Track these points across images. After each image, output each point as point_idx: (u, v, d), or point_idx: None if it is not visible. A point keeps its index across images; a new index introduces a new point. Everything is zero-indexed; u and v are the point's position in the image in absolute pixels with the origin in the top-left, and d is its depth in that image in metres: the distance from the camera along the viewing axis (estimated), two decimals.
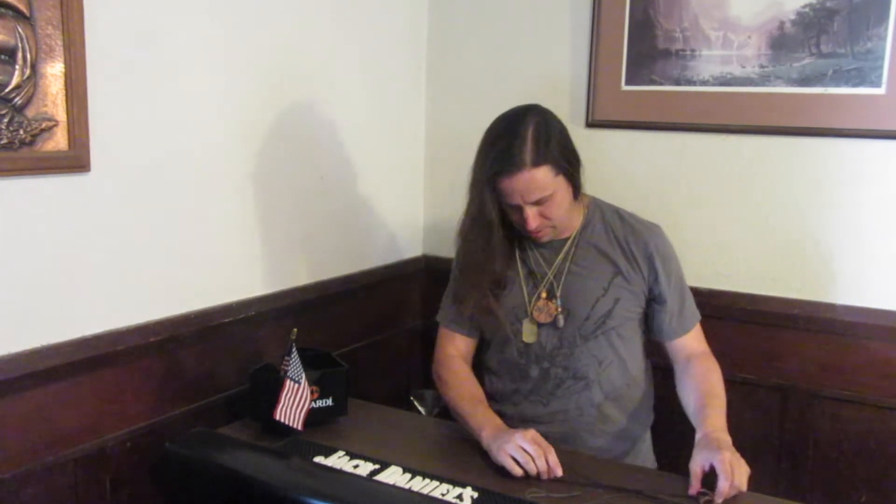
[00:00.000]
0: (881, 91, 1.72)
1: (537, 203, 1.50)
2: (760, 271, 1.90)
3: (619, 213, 1.65)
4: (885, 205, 1.76)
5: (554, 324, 1.60)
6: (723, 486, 1.30)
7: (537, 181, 1.47)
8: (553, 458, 1.40)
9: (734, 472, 1.32)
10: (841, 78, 1.76)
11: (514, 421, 1.63)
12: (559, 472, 1.40)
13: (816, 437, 1.86)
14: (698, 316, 1.66)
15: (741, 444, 1.92)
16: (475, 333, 1.72)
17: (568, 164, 1.51)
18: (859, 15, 1.72)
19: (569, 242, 1.62)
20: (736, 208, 1.91)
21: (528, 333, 1.61)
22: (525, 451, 1.40)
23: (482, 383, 1.70)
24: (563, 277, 1.61)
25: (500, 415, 1.60)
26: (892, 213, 1.76)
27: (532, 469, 1.39)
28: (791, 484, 1.88)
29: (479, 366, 1.74)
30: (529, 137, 1.47)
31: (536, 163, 1.46)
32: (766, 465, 1.91)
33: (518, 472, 1.39)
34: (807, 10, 1.78)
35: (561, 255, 1.62)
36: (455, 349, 1.71)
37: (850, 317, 1.80)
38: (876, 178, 1.77)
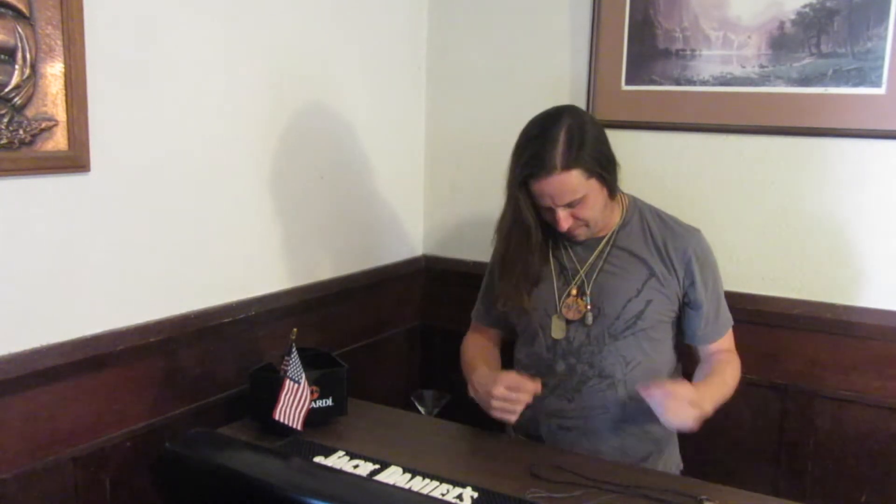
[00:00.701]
0: (881, 91, 1.72)
1: (569, 205, 1.51)
2: (760, 271, 1.90)
3: (659, 215, 1.66)
4: (886, 205, 1.76)
5: (583, 321, 1.60)
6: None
7: (568, 184, 1.47)
8: (528, 398, 1.50)
9: (667, 404, 1.41)
10: (841, 78, 1.76)
11: (539, 414, 1.64)
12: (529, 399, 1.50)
13: (816, 437, 1.86)
14: (731, 321, 1.68)
15: (741, 444, 1.94)
16: (502, 326, 1.76)
17: (601, 166, 1.51)
18: (859, 15, 1.72)
19: (604, 241, 1.63)
20: (736, 208, 1.91)
21: (557, 329, 1.62)
22: (504, 399, 1.48)
23: None
24: (594, 275, 1.61)
25: (527, 408, 1.62)
26: (892, 213, 1.76)
27: (513, 418, 1.50)
28: (791, 484, 1.88)
29: (510, 361, 1.75)
30: (561, 140, 1.47)
31: (567, 166, 1.46)
32: (766, 465, 1.91)
33: (510, 420, 1.51)
34: (807, 10, 1.77)
35: (595, 254, 1.62)
36: (480, 335, 1.78)
37: (850, 317, 1.80)
38: (876, 178, 1.77)
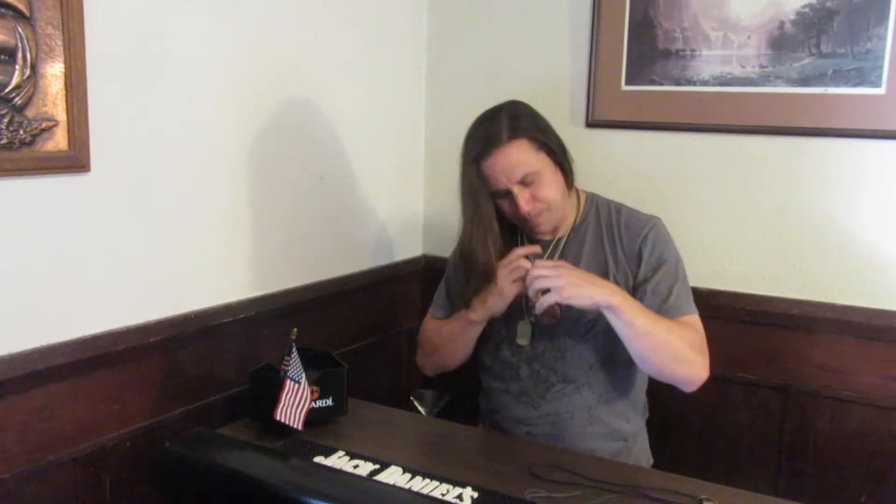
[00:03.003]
0: (881, 91, 1.72)
1: (525, 184, 1.51)
2: (761, 271, 1.90)
3: (617, 209, 1.64)
4: (886, 205, 1.76)
5: (550, 324, 1.59)
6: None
7: (516, 156, 1.49)
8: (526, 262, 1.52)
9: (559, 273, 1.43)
10: (841, 78, 1.76)
11: (506, 421, 1.63)
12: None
13: (816, 437, 1.86)
14: (692, 311, 1.57)
15: (742, 444, 1.94)
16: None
17: (547, 141, 1.53)
18: (859, 15, 1.72)
19: (562, 240, 1.63)
20: (736, 208, 1.91)
21: (522, 336, 1.61)
22: (515, 269, 1.50)
23: (478, 382, 1.70)
24: None
25: (492, 412, 1.61)
26: (891, 213, 1.76)
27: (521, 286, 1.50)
28: (791, 484, 1.88)
29: (475, 365, 1.75)
30: (503, 118, 1.51)
31: (512, 136, 1.49)
32: (766, 465, 1.91)
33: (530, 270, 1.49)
34: (807, 10, 1.78)
35: (548, 252, 1.62)
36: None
37: (850, 317, 1.80)
38: (876, 178, 1.77)
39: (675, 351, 1.48)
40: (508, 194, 1.52)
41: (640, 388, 1.69)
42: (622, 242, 1.59)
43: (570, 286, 1.42)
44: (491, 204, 1.56)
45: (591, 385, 1.60)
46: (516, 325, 1.62)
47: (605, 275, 1.57)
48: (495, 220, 1.57)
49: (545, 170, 1.52)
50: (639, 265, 1.58)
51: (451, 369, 1.75)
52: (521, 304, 1.61)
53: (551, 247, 1.63)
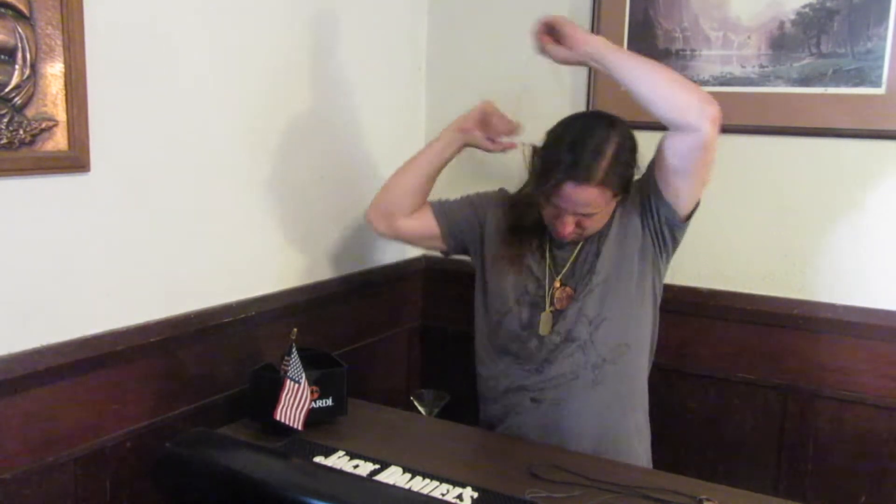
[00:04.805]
0: (881, 91, 1.73)
1: (580, 214, 1.52)
2: (761, 271, 1.90)
3: None
4: (885, 205, 1.76)
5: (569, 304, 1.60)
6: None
7: (593, 199, 1.48)
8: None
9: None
10: (841, 78, 1.76)
11: (511, 390, 1.64)
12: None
13: (816, 437, 1.86)
14: None
15: (741, 444, 1.94)
16: (443, 227, 1.75)
17: (626, 186, 1.53)
18: (859, 15, 1.72)
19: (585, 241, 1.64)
20: (736, 208, 1.91)
21: (545, 325, 1.62)
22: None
23: (473, 372, 1.72)
24: (567, 265, 1.63)
25: (493, 389, 1.65)
26: (891, 214, 1.76)
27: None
28: (791, 484, 1.88)
29: (472, 357, 1.76)
30: (608, 149, 1.47)
31: (602, 182, 1.46)
32: (766, 465, 1.91)
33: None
34: (807, 10, 1.78)
35: (575, 253, 1.64)
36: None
37: (850, 317, 1.80)
38: (876, 178, 1.77)
39: (677, 87, 1.46)
40: (558, 211, 1.52)
41: (647, 359, 1.69)
42: (629, 212, 1.60)
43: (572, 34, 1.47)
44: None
45: (593, 342, 1.59)
46: (527, 308, 1.63)
47: (603, 237, 1.60)
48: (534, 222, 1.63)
49: (606, 209, 1.54)
50: (644, 198, 1.59)
51: (397, 212, 1.73)
52: (543, 290, 1.62)
53: (575, 250, 1.64)
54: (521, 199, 1.69)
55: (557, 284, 1.63)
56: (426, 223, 1.74)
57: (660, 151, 1.53)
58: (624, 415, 1.64)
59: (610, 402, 1.62)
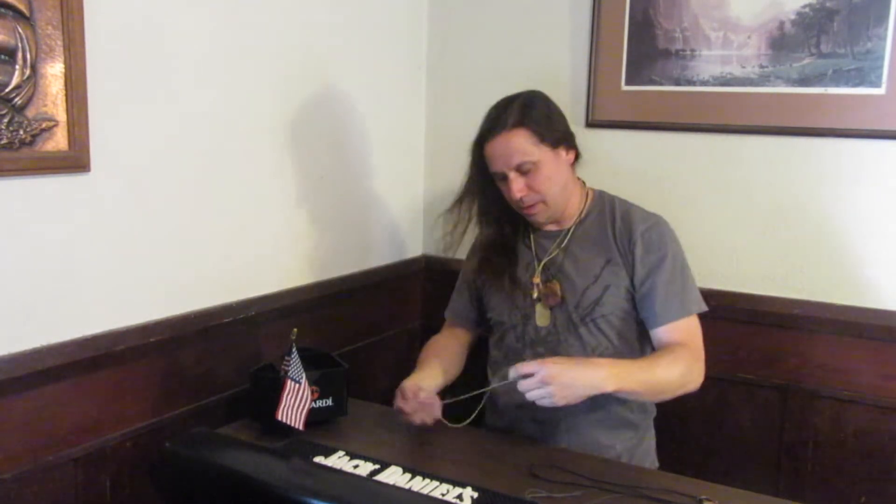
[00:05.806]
0: (881, 91, 1.73)
1: (521, 172, 1.55)
2: (760, 271, 1.90)
3: (623, 205, 1.66)
4: (885, 205, 1.76)
5: (561, 306, 1.61)
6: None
7: (515, 143, 1.53)
8: (420, 413, 1.53)
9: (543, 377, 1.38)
10: (841, 78, 1.76)
11: (511, 408, 1.65)
12: (430, 421, 1.53)
13: (816, 437, 1.86)
14: (691, 311, 1.57)
15: (741, 444, 1.94)
16: (473, 326, 1.79)
17: (552, 134, 1.56)
18: (859, 15, 1.72)
19: (566, 231, 1.65)
20: (736, 208, 1.91)
21: (542, 317, 1.63)
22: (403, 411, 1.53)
23: (485, 377, 1.72)
24: (557, 263, 1.64)
25: (496, 403, 1.65)
26: (891, 213, 1.76)
27: (416, 421, 1.53)
28: (791, 484, 1.88)
29: (484, 363, 1.76)
30: (515, 105, 1.55)
31: (516, 124, 1.53)
32: (767, 465, 1.91)
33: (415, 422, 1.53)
34: (807, 10, 1.78)
35: (556, 243, 1.65)
36: (449, 334, 1.81)
37: (850, 317, 1.80)
38: (876, 178, 1.77)
39: (676, 385, 1.52)
40: (505, 179, 1.57)
41: None
42: (621, 236, 1.62)
43: (562, 396, 1.39)
44: (493, 186, 1.62)
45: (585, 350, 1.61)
46: (528, 309, 1.64)
47: (606, 263, 1.60)
48: (496, 203, 1.64)
49: (544, 162, 1.55)
50: (632, 262, 1.59)
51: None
52: (528, 285, 1.64)
53: (558, 239, 1.65)
54: (480, 217, 1.69)
55: (537, 280, 1.64)
56: (468, 338, 1.82)
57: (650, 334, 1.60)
58: (629, 430, 1.65)
59: (612, 428, 1.62)
